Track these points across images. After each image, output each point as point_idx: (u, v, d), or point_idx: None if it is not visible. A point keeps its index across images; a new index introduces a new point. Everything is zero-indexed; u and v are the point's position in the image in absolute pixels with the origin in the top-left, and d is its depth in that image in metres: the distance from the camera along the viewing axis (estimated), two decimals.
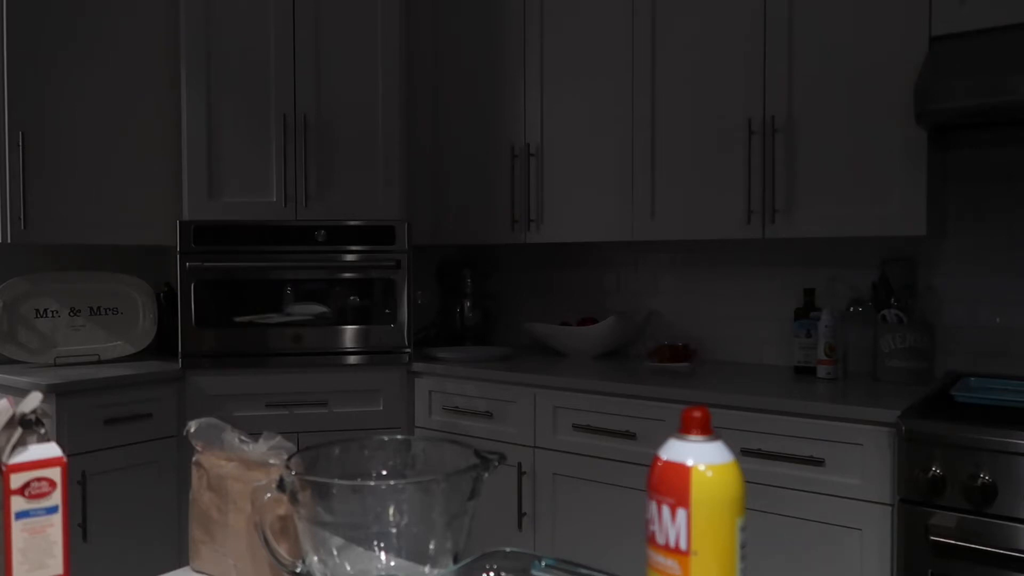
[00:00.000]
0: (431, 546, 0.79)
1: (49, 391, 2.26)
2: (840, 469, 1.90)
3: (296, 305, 2.65)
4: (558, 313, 3.10)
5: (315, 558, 0.79)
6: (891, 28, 2.08)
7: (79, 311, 2.69)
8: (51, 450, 0.82)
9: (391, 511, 0.77)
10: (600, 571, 0.72)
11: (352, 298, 2.68)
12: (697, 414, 0.68)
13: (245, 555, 0.94)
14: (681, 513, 0.66)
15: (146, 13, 2.68)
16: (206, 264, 2.58)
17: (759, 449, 2.01)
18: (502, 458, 0.84)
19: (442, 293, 3.23)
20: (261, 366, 2.62)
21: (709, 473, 0.66)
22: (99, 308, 2.73)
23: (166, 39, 2.68)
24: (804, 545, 1.96)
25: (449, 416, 2.62)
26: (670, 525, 0.67)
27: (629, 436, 2.22)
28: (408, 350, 2.70)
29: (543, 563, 0.72)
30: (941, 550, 1.68)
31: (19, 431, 0.81)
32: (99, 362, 2.65)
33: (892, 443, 1.82)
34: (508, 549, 0.76)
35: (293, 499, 0.79)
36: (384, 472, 0.91)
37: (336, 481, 0.80)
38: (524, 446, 2.43)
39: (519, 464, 2.43)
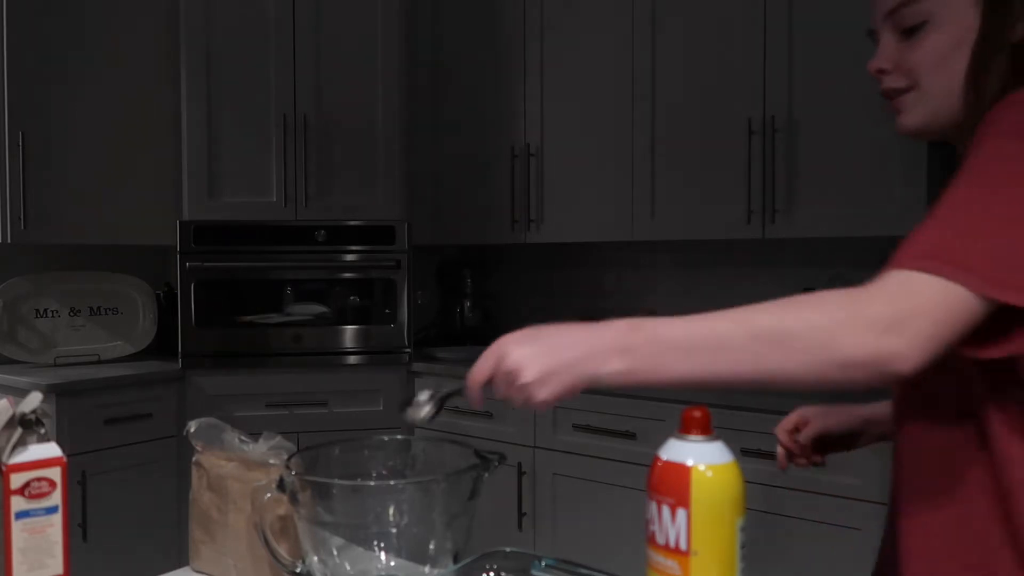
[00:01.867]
0: (431, 546, 0.79)
1: (49, 391, 2.26)
2: (840, 469, 1.90)
3: (296, 305, 2.65)
4: (558, 313, 3.10)
5: (315, 558, 0.79)
6: None
7: (79, 311, 2.68)
8: (51, 450, 0.82)
9: (391, 511, 0.78)
10: (600, 571, 0.72)
11: (352, 298, 2.68)
12: (697, 414, 0.68)
13: (245, 555, 0.94)
14: (681, 513, 0.66)
15: (146, 13, 2.68)
16: (206, 264, 2.58)
17: (759, 449, 2.01)
18: (502, 458, 0.84)
19: (442, 293, 3.23)
20: (261, 366, 2.62)
21: (709, 473, 0.66)
22: (99, 308, 2.73)
23: (166, 39, 2.67)
24: (804, 545, 1.95)
25: (449, 416, 2.62)
26: (670, 525, 0.66)
27: (629, 436, 2.22)
28: (408, 350, 2.70)
29: (543, 563, 0.72)
30: None
31: (19, 431, 0.81)
32: (99, 362, 2.65)
33: (892, 443, 1.82)
34: (508, 549, 0.76)
35: (293, 499, 0.79)
36: (384, 472, 0.91)
37: (336, 481, 0.80)
38: (524, 446, 2.43)
39: (519, 464, 2.43)
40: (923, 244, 0.70)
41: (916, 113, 0.84)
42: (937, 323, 0.65)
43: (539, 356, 0.73)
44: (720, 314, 0.70)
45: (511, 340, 0.76)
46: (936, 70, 0.81)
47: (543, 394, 0.73)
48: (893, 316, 0.66)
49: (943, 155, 2.26)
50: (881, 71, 0.84)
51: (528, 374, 0.72)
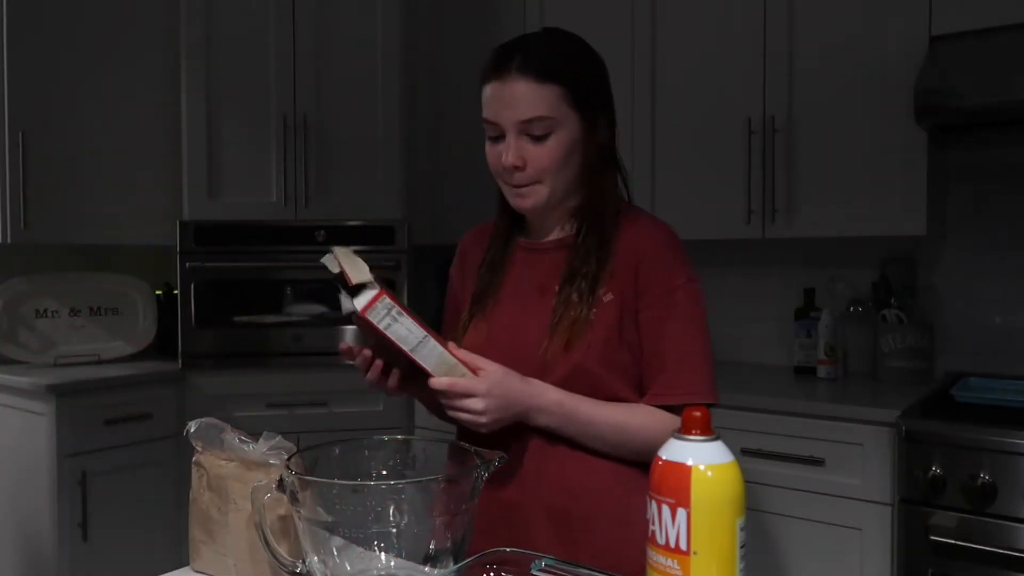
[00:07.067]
0: (431, 546, 0.79)
1: (49, 391, 2.26)
2: (840, 469, 1.90)
3: (296, 305, 2.65)
4: None
5: (315, 558, 0.79)
6: (891, 28, 2.08)
7: (79, 311, 2.68)
8: (369, 294, 0.98)
9: (391, 511, 0.78)
10: (600, 571, 0.72)
11: None
12: (697, 414, 0.68)
13: (245, 555, 0.94)
14: (681, 513, 0.66)
15: (147, 13, 2.68)
16: (206, 264, 2.58)
17: (759, 449, 2.01)
18: (502, 458, 0.84)
19: (442, 293, 3.22)
20: (261, 366, 2.62)
21: (709, 473, 0.66)
22: (99, 308, 2.73)
23: (166, 39, 2.67)
24: (804, 545, 1.95)
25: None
26: (670, 525, 0.66)
27: None
28: None
29: (543, 563, 0.72)
30: (941, 550, 1.68)
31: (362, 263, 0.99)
32: (99, 362, 2.64)
33: (892, 443, 1.82)
34: (508, 549, 0.75)
35: (293, 499, 0.79)
36: (384, 472, 0.91)
37: (336, 481, 0.80)
38: None
39: None
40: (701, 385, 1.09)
41: (537, 199, 1.17)
42: None
43: (496, 409, 1.02)
44: (611, 410, 1.09)
45: (486, 394, 1.02)
46: (558, 171, 1.14)
47: (486, 430, 1.03)
48: None
49: (943, 155, 2.27)
50: (516, 167, 1.15)
51: (484, 420, 1.02)
